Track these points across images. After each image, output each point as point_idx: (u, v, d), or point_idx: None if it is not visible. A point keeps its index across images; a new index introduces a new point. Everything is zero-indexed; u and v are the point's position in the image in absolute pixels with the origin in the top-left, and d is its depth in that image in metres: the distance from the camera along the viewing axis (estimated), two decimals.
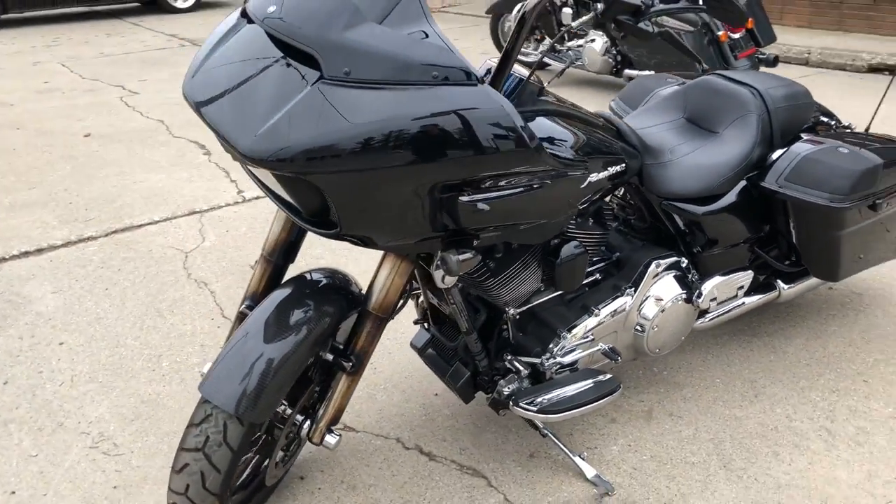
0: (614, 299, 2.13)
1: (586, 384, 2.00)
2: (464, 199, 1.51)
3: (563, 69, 2.25)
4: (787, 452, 2.11)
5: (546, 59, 6.13)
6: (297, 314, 1.69)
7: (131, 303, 3.03)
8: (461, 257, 1.64)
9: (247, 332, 1.67)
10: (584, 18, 1.77)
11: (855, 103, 5.43)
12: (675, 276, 2.20)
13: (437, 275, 1.75)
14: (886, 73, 6.05)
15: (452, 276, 1.68)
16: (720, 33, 4.98)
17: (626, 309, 2.14)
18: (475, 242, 1.66)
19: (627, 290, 2.14)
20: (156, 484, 2.10)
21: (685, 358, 2.54)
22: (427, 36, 1.42)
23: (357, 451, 2.19)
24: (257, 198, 4.03)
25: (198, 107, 1.54)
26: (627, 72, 5.58)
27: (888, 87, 2.54)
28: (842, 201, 2.15)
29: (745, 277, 2.37)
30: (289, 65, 1.43)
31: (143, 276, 3.24)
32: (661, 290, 2.17)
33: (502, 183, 1.56)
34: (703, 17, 4.83)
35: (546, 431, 2.11)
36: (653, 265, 2.16)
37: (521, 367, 1.98)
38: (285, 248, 1.88)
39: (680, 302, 2.18)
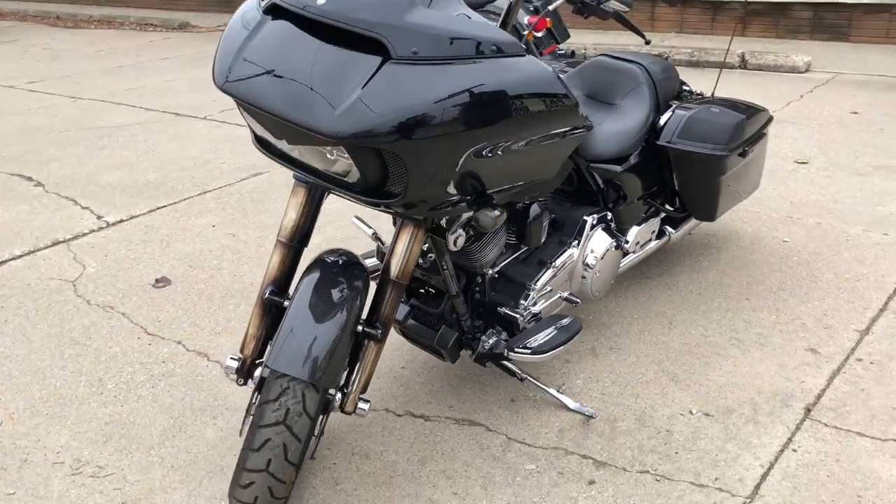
0: (563, 253, 2.44)
1: (556, 327, 2.29)
2: (500, 159, 1.73)
3: None
4: (714, 361, 2.53)
5: None
6: (335, 294, 1.81)
7: (37, 336, 2.86)
8: (494, 213, 1.85)
9: (297, 316, 1.75)
10: (557, 3, 2.05)
11: None
12: (603, 229, 2.55)
13: (452, 238, 1.95)
14: None
15: (486, 231, 1.90)
16: (525, 33, 5.49)
17: (573, 260, 2.45)
18: (494, 201, 1.88)
19: (572, 244, 2.46)
20: (165, 492, 2.09)
21: (603, 304, 2.90)
22: (470, 17, 1.63)
23: (354, 427, 2.30)
24: (121, 221, 3.89)
25: (247, 98, 1.62)
26: None
27: (722, 67, 3.08)
28: (723, 150, 2.62)
29: (656, 223, 2.79)
30: (345, 50, 1.57)
31: (35, 309, 3.05)
32: (597, 241, 2.51)
33: (533, 142, 1.79)
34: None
35: (524, 376, 2.36)
36: (588, 220, 2.50)
37: (518, 316, 2.22)
38: (302, 233, 1.97)
39: (612, 249, 2.54)
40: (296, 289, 1.84)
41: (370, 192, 1.71)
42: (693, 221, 2.99)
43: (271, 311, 1.95)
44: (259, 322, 1.96)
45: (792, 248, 3.27)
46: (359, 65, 1.55)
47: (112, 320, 2.96)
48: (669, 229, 2.92)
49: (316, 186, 1.93)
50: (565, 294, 2.40)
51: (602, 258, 2.50)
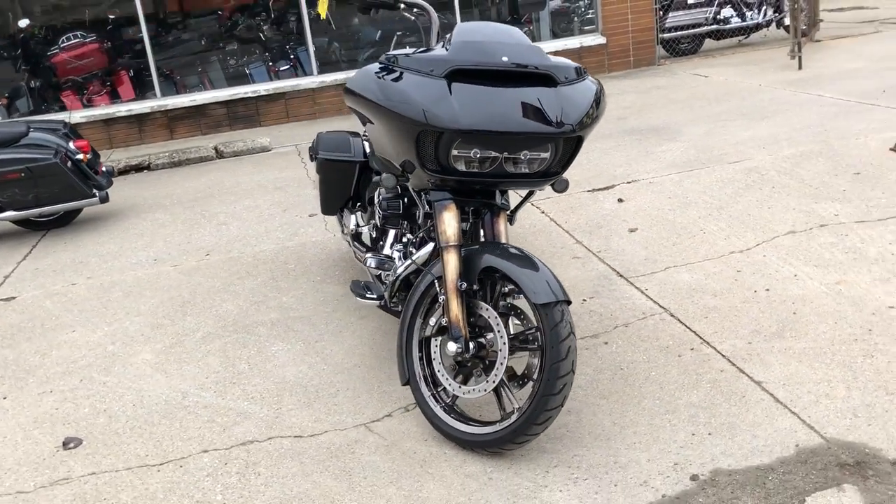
0: None
1: None
2: None
3: None
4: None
5: None
6: (517, 251, 2.56)
7: None
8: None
9: (524, 271, 2.45)
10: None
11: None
12: None
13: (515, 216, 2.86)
14: (134, 171, 7.45)
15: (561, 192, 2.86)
16: (80, 156, 5.60)
17: None
18: None
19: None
20: None
21: None
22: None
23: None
24: None
25: (495, 128, 2.34)
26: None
27: None
28: None
29: None
30: (527, 86, 2.43)
31: None
32: None
33: None
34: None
35: None
36: None
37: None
38: (461, 235, 2.59)
39: None
40: (495, 265, 2.50)
41: (542, 175, 2.56)
42: None
43: (463, 296, 2.55)
44: (459, 306, 2.53)
45: None
46: (546, 92, 2.44)
47: (91, 484, 2.67)
48: None
49: (458, 201, 2.61)
50: None
51: None
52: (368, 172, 3.70)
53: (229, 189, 6.39)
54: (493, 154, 2.48)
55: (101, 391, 3.28)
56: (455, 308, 2.55)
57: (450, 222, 2.62)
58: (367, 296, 3.14)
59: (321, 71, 9.24)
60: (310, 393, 3.08)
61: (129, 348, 3.64)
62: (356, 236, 3.77)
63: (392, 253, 3.21)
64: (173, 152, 7.64)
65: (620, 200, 4.86)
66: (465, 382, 2.62)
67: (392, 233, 3.31)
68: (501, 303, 2.66)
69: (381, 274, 3.28)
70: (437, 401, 2.70)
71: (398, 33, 9.84)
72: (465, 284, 2.56)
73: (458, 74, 2.44)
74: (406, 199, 3.13)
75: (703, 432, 2.57)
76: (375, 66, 2.68)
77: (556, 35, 10.14)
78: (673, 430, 2.60)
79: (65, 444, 2.92)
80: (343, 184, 3.80)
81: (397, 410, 2.90)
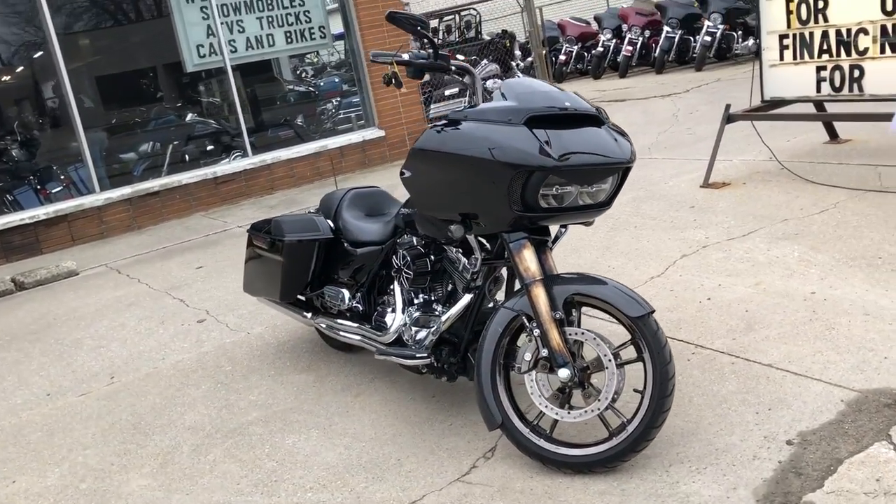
0: None
1: None
2: None
3: None
4: None
5: None
6: (591, 274, 2.79)
7: None
8: None
9: (607, 291, 2.68)
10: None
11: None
12: None
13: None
14: None
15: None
16: None
17: None
18: None
19: None
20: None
21: None
22: None
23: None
24: None
25: (584, 162, 2.57)
26: None
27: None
28: None
29: None
30: (585, 126, 2.70)
31: None
32: None
33: None
34: None
35: None
36: None
37: None
38: (541, 270, 2.73)
39: None
40: (583, 291, 2.70)
41: (600, 205, 2.80)
42: None
43: (560, 324, 2.69)
44: (559, 334, 2.67)
45: None
46: (601, 130, 2.71)
47: None
48: None
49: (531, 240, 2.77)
50: None
51: None
52: (339, 247, 3.68)
53: (68, 316, 5.73)
54: (569, 189, 2.70)
55: None
56: (556, 337, 2.69)
57: (531, 259, 2.77)
58: (418, 356, 3.12)
59: (102, 187, 8.63)
60: (370, 469, 2.96)
61: (109, 480, 3.19)
62: (327, 312, 3.74)
63: (421, 310, 3.25)
64: None
65: None
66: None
67: (399, 292, 3.33)
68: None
69: (401, 336, 3.28)
70: (538, 434, 2.78)
71: (175, 142, 9.56)
72: (559, 313, 2.71)
73: (530, 121, 2.64)
74: (432, 257, 3.20)
75: (763, 409, 2.93)
76: (437, 126, 2.79)
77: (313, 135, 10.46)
78: (738, 414, 2.93)
79: None
80: (308, 264, 3.73)
81: (479, 460, 2.90)
